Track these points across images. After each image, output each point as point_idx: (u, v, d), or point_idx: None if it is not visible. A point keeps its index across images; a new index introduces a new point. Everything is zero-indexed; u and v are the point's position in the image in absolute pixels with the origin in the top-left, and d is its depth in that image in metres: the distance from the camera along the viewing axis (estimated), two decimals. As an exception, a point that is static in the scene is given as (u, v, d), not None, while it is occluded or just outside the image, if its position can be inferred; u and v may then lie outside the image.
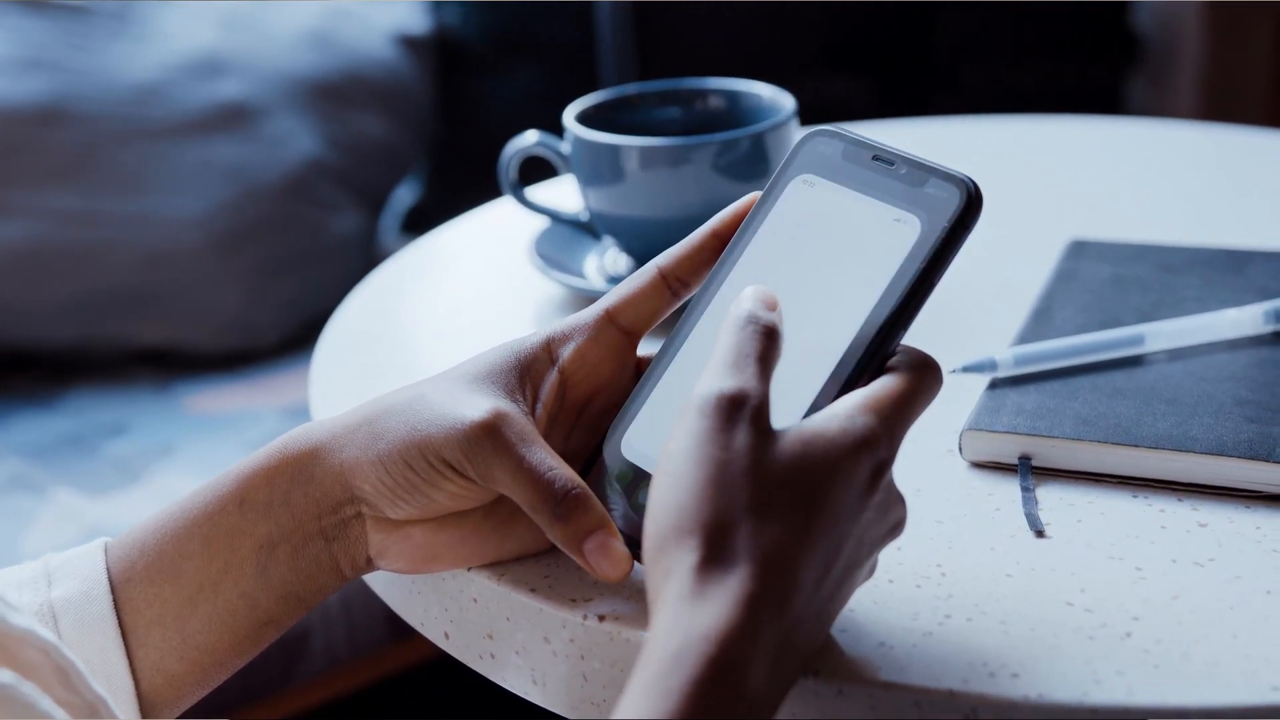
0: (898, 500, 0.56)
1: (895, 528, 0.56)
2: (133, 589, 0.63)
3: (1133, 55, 2.06)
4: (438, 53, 1.88)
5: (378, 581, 0.72)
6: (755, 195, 0.63)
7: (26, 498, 1.37)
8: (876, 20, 1.97)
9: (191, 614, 0.62)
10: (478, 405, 0.59)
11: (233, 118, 1.65)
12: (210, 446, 1.45)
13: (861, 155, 0.60)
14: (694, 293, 0.63)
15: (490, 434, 0.58)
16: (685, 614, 0.50)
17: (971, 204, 0.57)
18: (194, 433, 1.49)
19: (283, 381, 1.58)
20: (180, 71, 1.64)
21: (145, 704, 0.63)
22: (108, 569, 0.63)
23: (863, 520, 0.54)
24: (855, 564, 0.55)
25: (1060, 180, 1.11)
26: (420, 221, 1.91)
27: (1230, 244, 0.91)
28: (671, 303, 0.63)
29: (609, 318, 0.63)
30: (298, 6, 1.75)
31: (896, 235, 0.58)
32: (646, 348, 0.65)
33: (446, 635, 0.68)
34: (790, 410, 0.57)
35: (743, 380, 0.54)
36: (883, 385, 0.55)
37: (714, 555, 0.51)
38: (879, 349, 0.56)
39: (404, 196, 2.00)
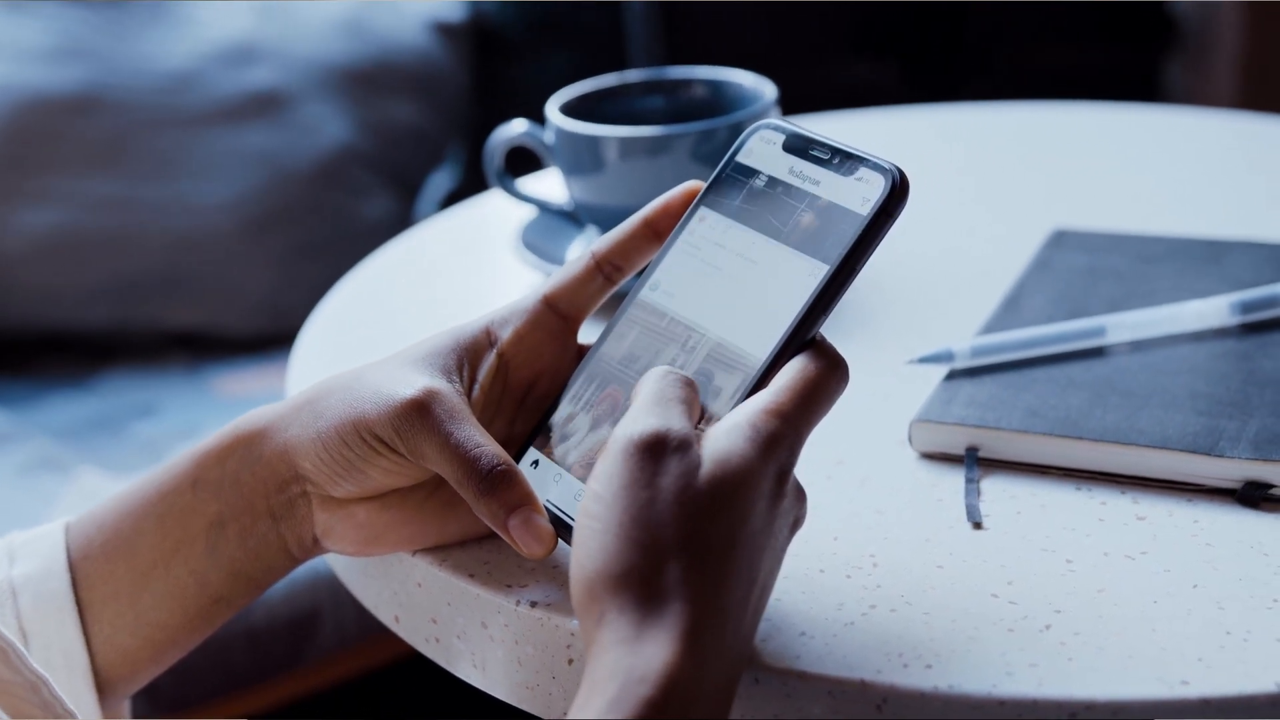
0: (801, 497, 0.57)
1: (797, 523, 0.57)
2: (89, 565, 0.65)
3: (1170, 39, 2.04)
4: (472, 39, 1.89)
5: (337, 564, 0.74)
6: (693, 184, 0.64)
7: (52, 478, 1.40)
8: (906, 3, 1.96)
9: (144, 590, 0.64)
10: (411, 384, 0.61)
11: (265, 105, 1.67)
12: (236, 429, 1.47)
13: (800, 146, 0.62)
14: (629, 278, 0.65)
15: (420, 410, 0.60)
16: (625, 658, 0.50)
17: (895, 192, 0.58)
18: (221, 415, 1.51)
19: (310, 365, 1.60)
20: (213, 60, 1.67)
21: (101, 679, 0.65)
22: (67, 546, 0.65)
23: (775, 529, 0.55)
24: (772, 571, 0.56)
25: (1066, 169, 1.10)
26: (457, 206, 1.93)
27: (1234, 235, 0.90)
28: (606, 288, 0.64)
29: (547, 303, 0.64)
30: (331, -6, 1.77)
31: (827, 225, 0.59)
32: (588, 334, 0.66)
33: (396, 619, 0.69)
34: (723, 396, 0.58)
35: (665, 420, 0.54)
36: (788, 386, 0.56)
37: (646, 596, 0.51)
38: (795, 336, 0.57)
39: (442, 182, 2.01)
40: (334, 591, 1.31)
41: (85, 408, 1.54)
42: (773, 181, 0.62)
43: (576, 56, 1.91)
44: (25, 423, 1.50)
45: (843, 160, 0.60)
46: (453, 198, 1.99)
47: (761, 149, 0.63)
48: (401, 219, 1.80)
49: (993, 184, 1.08)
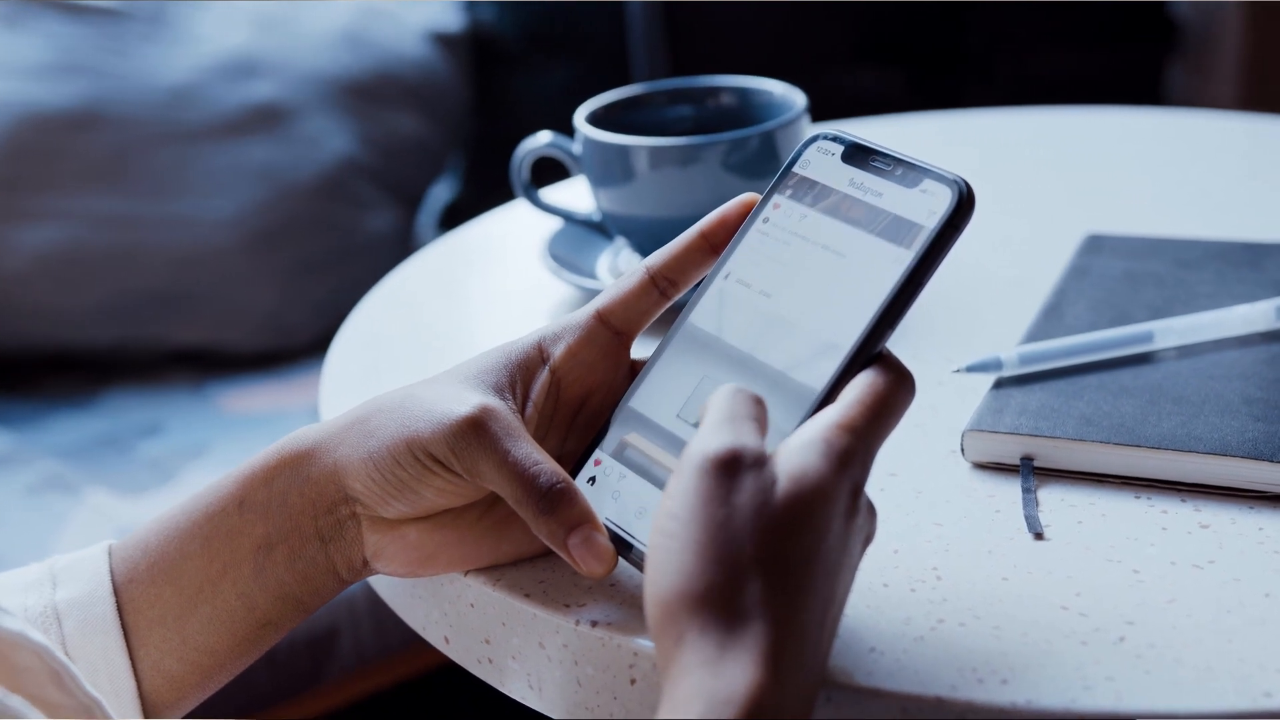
0: (872, 513, 0.56)
1: (869, 539, 0.56)
2: (135, 589, 0.63)
3: (1172, 42, 2.04)
4: (472, 50, 1.88)
5: (381, 585, 0.73)
6: (749, 196, 0.63)
7: (61, 498, 1.38)
8: (908, 11, 1.96)
9: (191, 614, 0.63)
10: (465, 401, 0.60)
11: (266, 118, 1.66)
12: (243, 446, 1.46)
13: (861, 158, 0.61)
14: (684, 293, 0.63)
15: (476, 428, 0.59)
16: (708, 680, 0.49)
17: (962, 205, 0.57)
18: (228, 432, 1.50)
19: (316, 381, 1.58)
20: (213, 73, 1.66)
21: (147, 704, 0.64)
22: (111, 570, 0.64)
23: (850, 545, 0.54)
24: (847, 588, 0.55)
25: (1086, 173, 1.10)
26: (457, 218, 1.92)
27: (1256, 237, 0.90)
28: (661, 303, 0.63)
29: (600, 318, 0.63)
30: (330, 7, 1.76)
31: (890, 237, 0.58)
32: (640, 350, 0.65)
33: (446, 640, 0.68)
34: (790, 411, 0.57)
35: (738, 437, 0.53)
36: (858, 400, 0.55)
37: (726, 616, 0.50)
38: (861, 350, 0.56)
39: (441, 194, 2.00)
40: (352, 609, 1.30)
41: (90, 427, 1.52)
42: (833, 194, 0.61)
43: (577, 66, 1.90)
44: (30, 443, 1.48)
45: (906, 171, 0.59)
46: (452, 209, 1.98)
47: (820, 160, 0.62)
48: (404, 232, 1.79)
49: (1009, 190, 1.08)
